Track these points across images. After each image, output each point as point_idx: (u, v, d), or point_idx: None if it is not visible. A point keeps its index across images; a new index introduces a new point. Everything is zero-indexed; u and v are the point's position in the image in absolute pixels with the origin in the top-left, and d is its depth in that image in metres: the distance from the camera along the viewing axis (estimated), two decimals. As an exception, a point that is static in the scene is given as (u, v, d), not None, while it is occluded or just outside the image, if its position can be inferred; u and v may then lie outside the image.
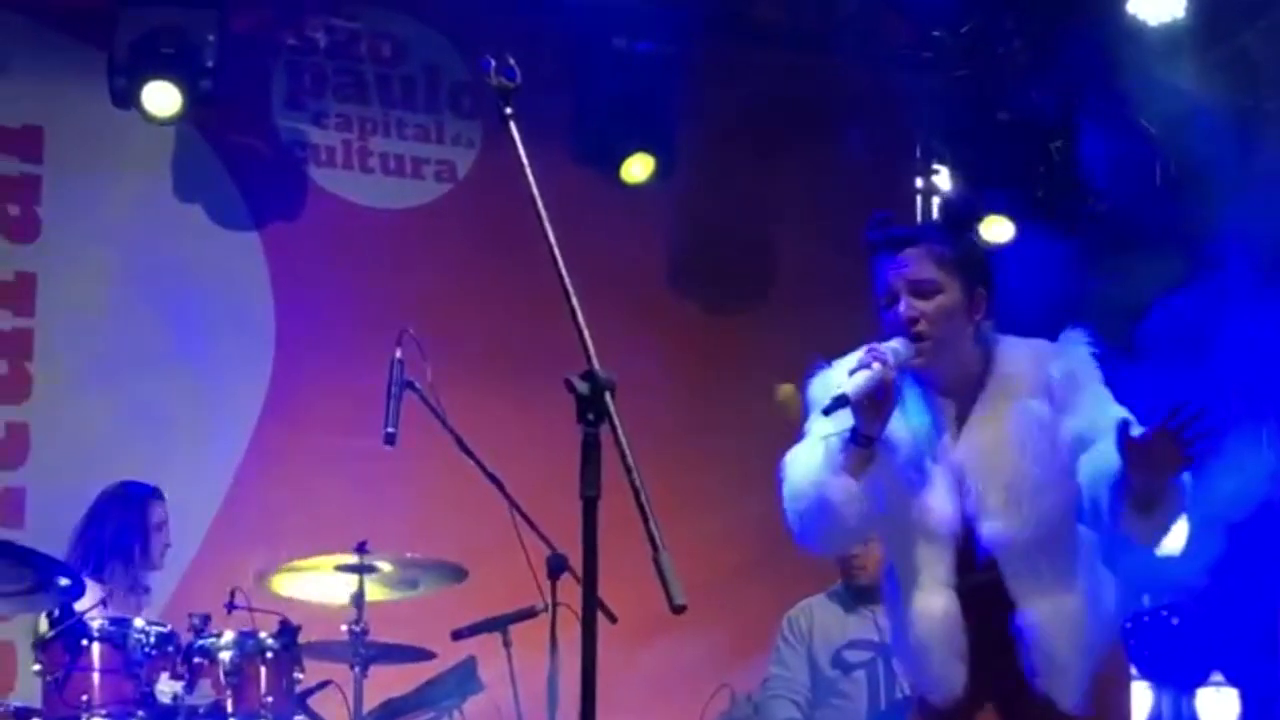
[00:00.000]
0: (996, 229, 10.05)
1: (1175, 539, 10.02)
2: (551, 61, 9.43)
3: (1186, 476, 4.39)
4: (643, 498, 3.53)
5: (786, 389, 8.87)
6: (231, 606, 6.99)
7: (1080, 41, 10.13)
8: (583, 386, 3.65)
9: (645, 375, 8.55)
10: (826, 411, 4.36)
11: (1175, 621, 9.32)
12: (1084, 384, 4.55)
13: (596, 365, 3.67)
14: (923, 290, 4.53)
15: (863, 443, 4.45)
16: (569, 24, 9.71)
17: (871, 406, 4.40)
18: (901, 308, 4.53)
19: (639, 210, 9.81)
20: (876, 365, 4.36)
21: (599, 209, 9.46)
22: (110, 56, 8.78)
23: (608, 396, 3.63)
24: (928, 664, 4.60)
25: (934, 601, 4.56)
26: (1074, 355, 4.60)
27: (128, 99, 8.75)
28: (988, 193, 10.14)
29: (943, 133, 10.46)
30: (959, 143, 10.37)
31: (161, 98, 8.69)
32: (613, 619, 6.30)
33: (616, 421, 3.61)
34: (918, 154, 10.40)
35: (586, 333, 3.71)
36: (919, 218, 10.24)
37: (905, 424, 4.57)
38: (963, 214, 4.80)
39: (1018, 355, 4.63)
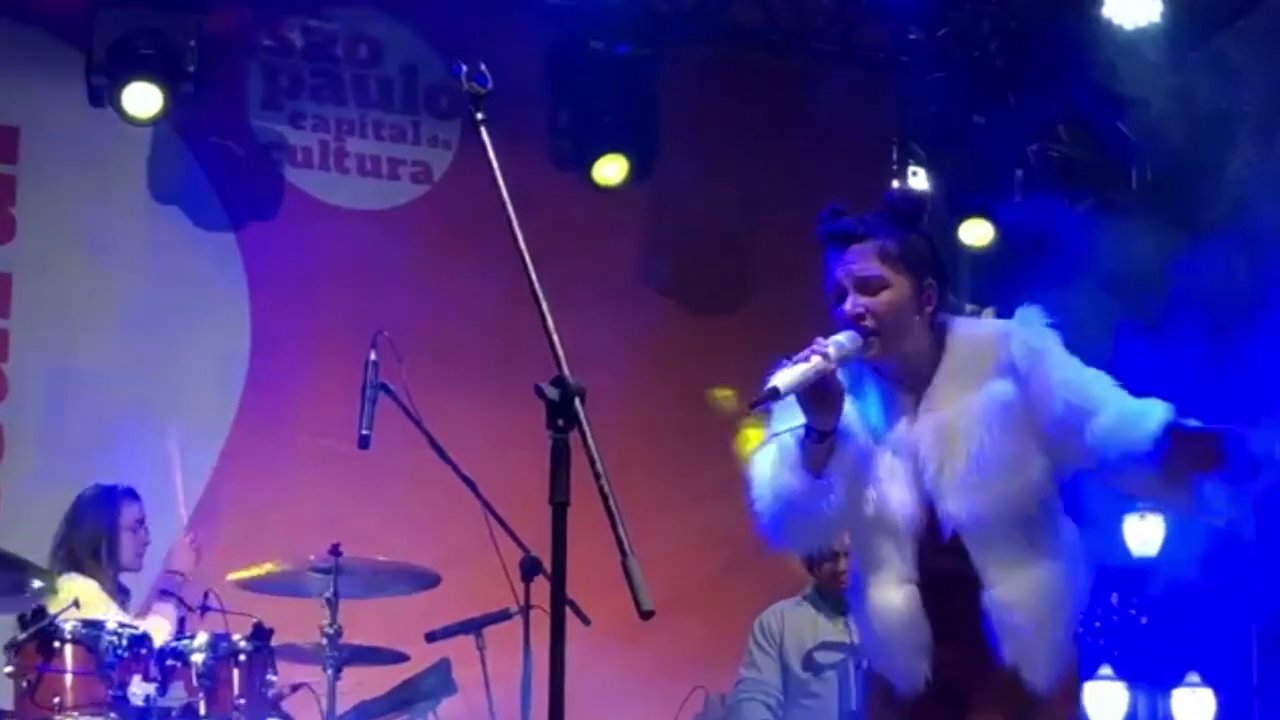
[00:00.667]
0: (976, 231, 10.08)
1: (1152, 539, 10.05)
2: (529, 63, 9.43)
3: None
4: (611, 503, 3.54)
5: (722, 393, 8.91)
6: (205, 608, 6.98)
7: (1057, 45, 10.15)
8: (552, 393, 3.65)
9: (622, 377, 8.58)
10: (755, 405, 4.33)
11: (1144, 620, 9.33)
12: (1045, 354, 4.51)
13: (567, 371, 3.67)
14: (869, 286, 4.50)
15: (817, 437, 4.43)
16: (547, 26, 9.72)
17: (815, 399, 4.39)
18: (848, 304, 4.50)
19: (615, 212, 9.82)
20: (815, 358, 4.33)
21: (575, 211, 9.48)
22: (88, 57, 8.78)
23: (577, 403, 3.63)
24: (890, 658, 4.59)
25: (894, 596, 4.54)
26: (1030, 330, 4.56)
27: (105, 99, 8.75)
28: (965, 195, 10.17)
29: (920, 135, 10.46)
30: (936, 145, 10.38)
31: (143, 99, 8.70)
32: (585, 621, 6.32)
33: (586, 428, 3.61)
34: (894, 156, 10.39)
35: (556, 338, 3.70)
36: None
37: (861, 417, 4.55)
38: (911, 207, 4.70)
39: (972, 337, 4.60)
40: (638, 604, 3.51)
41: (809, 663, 7.60)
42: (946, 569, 4.52)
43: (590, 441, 3.60)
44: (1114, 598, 7.18)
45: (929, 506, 4.51)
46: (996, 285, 9.98)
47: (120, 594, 7.69)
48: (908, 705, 4.60)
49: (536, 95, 9.55)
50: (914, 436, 4.54)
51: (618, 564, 3.54)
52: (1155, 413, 4.39)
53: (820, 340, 4.40)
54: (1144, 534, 9.97)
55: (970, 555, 4.48)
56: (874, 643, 4.66)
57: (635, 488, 3.48)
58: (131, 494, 7.87)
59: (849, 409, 4.49)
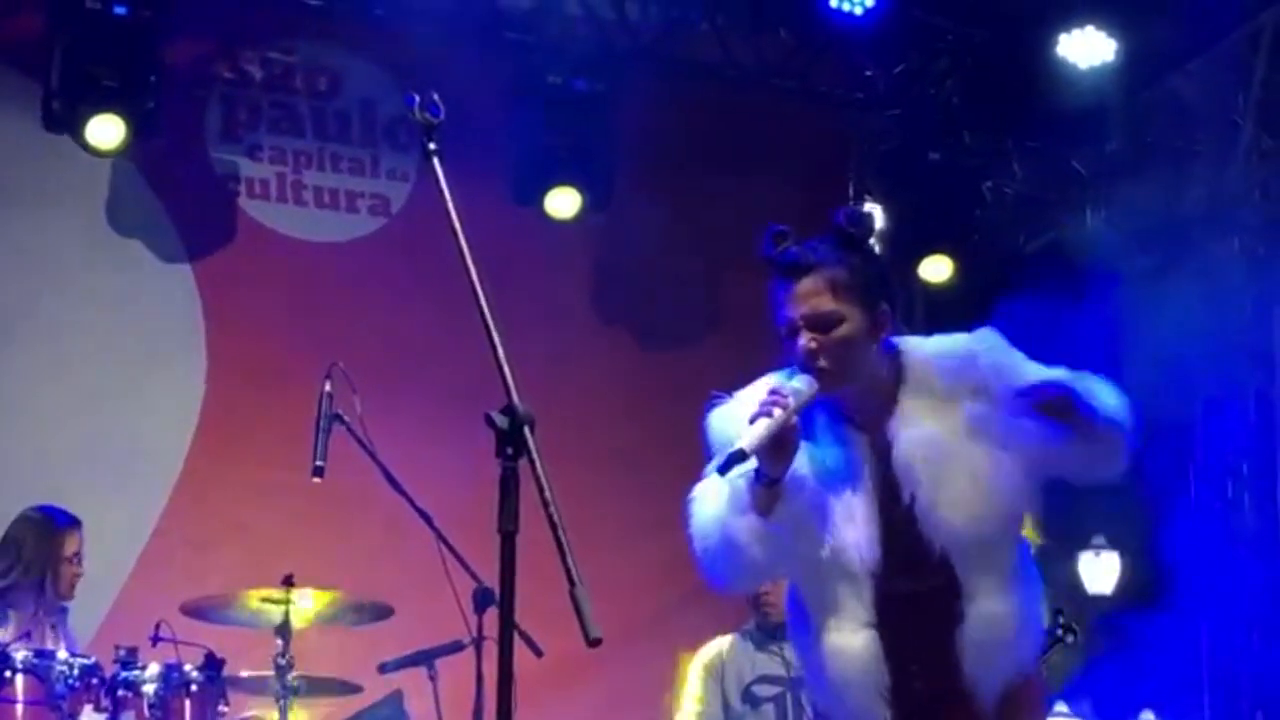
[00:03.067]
0: (934, 268, 10.13)
1: (1108, 575, 10.11)
2: (487, 97, 9.45)
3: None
4: (560, 532, 3.54)
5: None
6: (157, 639, 6.96)
7: (1012, 83, 10.21)
8: (502, 421, 3.65)
9: (574, 409, 8.60)
10: (722, 469, 4.23)
11: (1099, 656, 9.38)
12: (1014, 364, 4.42)
13: (516, 399, 3.68)
14: (822, 323, 4.37)
15: (769, 482, 4.33)
16: (505, 60, 9.74)
17: (773, 449, 4.27)
18: (801, 340, 4.36)
19: (570, 245, 9.84)
20: (777, 412, 4.24)
21: (531, 244, 9.49)
22: (45, 85, 8.78)
23: (526, 431, 3.64)
24: (845, 703, 4.50)
25: (853, 640, 4.45)
26: (993, 346, 4.47)
27: (63, 127, 8.74)
28: (921, 232, 10.23)
29: (876, 172, 10.52)
30: (892, 182, 10.44)
31: (106, 131, 8.68)
32: (538, 653, 6.33)
33: (535, 457, 3.62)
34: (850, 192, 10.46)
35: (507, 367, 3.71)
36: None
37: (815, 458, 4.45)
38: (859, 229, 4.58)
39: (933, 358, 4.49)
40: (585, 633, 3.51)
41: (748, 696, 7.64)
42: (914, 595, 4.43)
43: (540, 470, 3.61)
44: (1070, 636, 7.18)
45: (897, 538, 4.41)
46: (954, 322, 10.01)
47: (54, 623, 7.65)
48: None
49: (494, 129, 9.55)
50: (897, 463, 4.42)
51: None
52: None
53: (778, 391, 4.28)
54: (1099, 571, 10.03)
55: (956, 572, 4.39)
56: (828, 687, 4.54)
57: (586, 518, 3.49)
58: (75, 523, 7.78)
59: (800, 452, 4.39)
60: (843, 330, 4.39)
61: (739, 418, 4.34)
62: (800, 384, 4.33)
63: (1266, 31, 9.89)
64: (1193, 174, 10.70)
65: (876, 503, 4.44)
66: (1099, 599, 10.06)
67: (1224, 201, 10.60)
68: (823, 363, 4.36)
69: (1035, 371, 4.43)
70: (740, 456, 4.21)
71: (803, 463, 4.40)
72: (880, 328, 4.45)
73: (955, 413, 4.42)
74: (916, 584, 4.44)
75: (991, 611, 4.40)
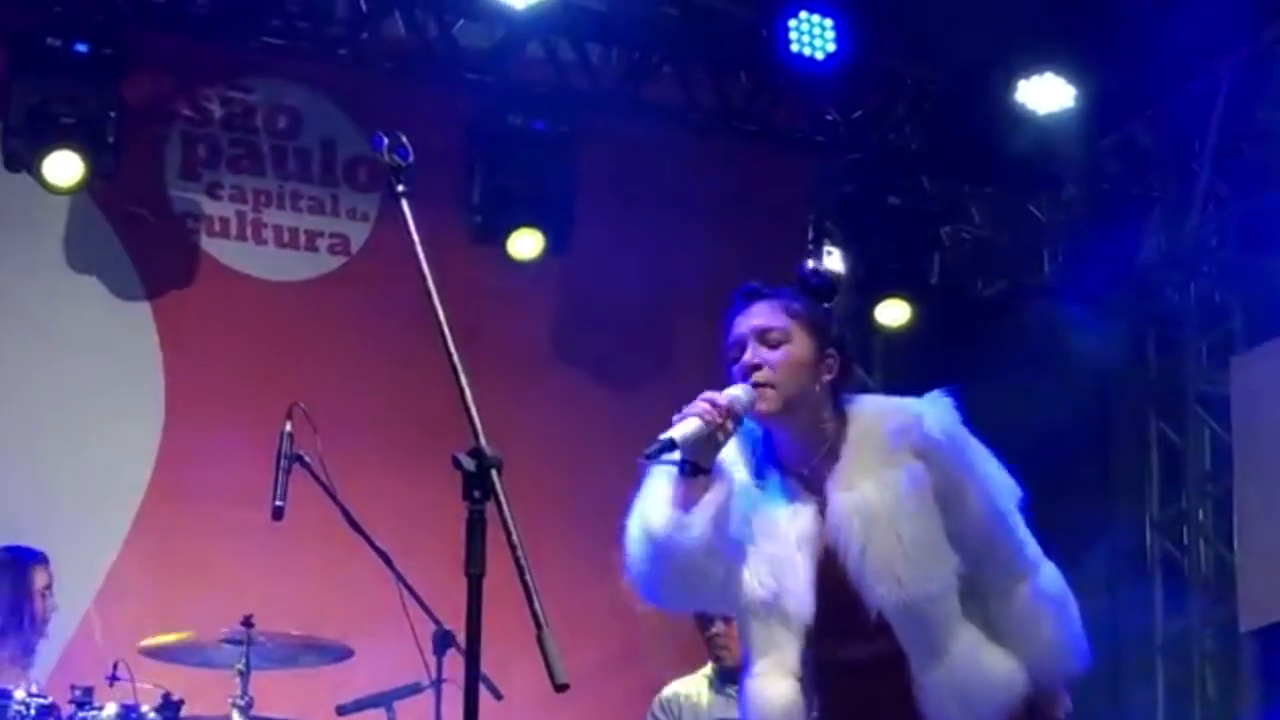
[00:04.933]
0: (892, 312, 10.15)
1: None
2: (447, 137, 9.45)
3: None
4: (527, 576, 3.54)
5: None
6: (114, 679, 6.93)
7: (971, 129, 10.27)
8: (469, 463, 3.66)
9: (535, 451, 8.59)
10: (649, 455, 4.26)
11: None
12: (963, 447, 4.42)
13: (484, 442, 3.68)
14: (769, 338, 4.41)
15: (691, 471, 4.34)
16: (466, 100, 9.75)
17: (701, 444, 4.31)
18: (747, 354, 4.40)
19: (531, 287, 9.84)
20: (707, 409, 4.27)
21: (491, 285, 9.49)
22: (4, 122, 8.75)
23: (494, 474, 3.64)
24: None
25: (777, 686, 4.40)
26: (944, 416, 4.44)
27: (22, 165, 8.72)
28: (880, 276, 10.25)
29: (836, 215, 10.55)
30: (852, 225, 10.47)
31: (64, 168, 8.66)
32: (497, 695, 6.32)
33: (503, 499, 3.62)
34: (810, 235, 10.48)
35: (474, 410, 3.72)
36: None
37: (764, 509, 4.44)
38: (821, 283, 4.63)
39: (878, 414, 4.48)
40: (552, 677, 3.51)
41: None
42: (858, 664, 4.40)
43: (507, 513, 3.61)
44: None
45: (834, 599, 4.37)
46: (911, 366, 10.05)
47: (29, 662, 7.64)
48: None
49: (454, 169, 9.56)
50: (830, 524, 4.38)
51: (532, 636, 3.55)
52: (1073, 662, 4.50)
53: (714, 395, 4.32)
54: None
55: (902, 641, 4.35)
56: None
57: (549, 561, 3.48)
58: (42, 558, 7.81)
59: (749, 496, 4.42)
60: (788, 349, 4.43)
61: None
62: (738, 390, 4.37)
63: (1224, 79, 9.95)
64: (1150, 221, 10.76)
65: (815, 562, 4.41)
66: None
67: (1181, 249, 10.67)
68: (764, 376, 4.39)
69: (982, 456, 4.47)
70: (669, 446, 4.26)
71: (752, 506, 4.41)
72: (826, 370, 4.46)
73: (895, 474, 4.39)
74: (856, 650, 4.40)
75: (945, 678, 4.35)
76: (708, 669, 7.83)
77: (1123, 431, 10.99)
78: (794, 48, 9.50)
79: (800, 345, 4.43)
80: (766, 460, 4.51)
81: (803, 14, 9.48)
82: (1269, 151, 10.02)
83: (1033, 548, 4.52)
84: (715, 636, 7.65)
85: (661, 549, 4.38)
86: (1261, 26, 9.58)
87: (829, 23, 9.49)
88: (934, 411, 4.45)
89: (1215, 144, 10.21)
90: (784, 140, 10.58)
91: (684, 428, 4.28)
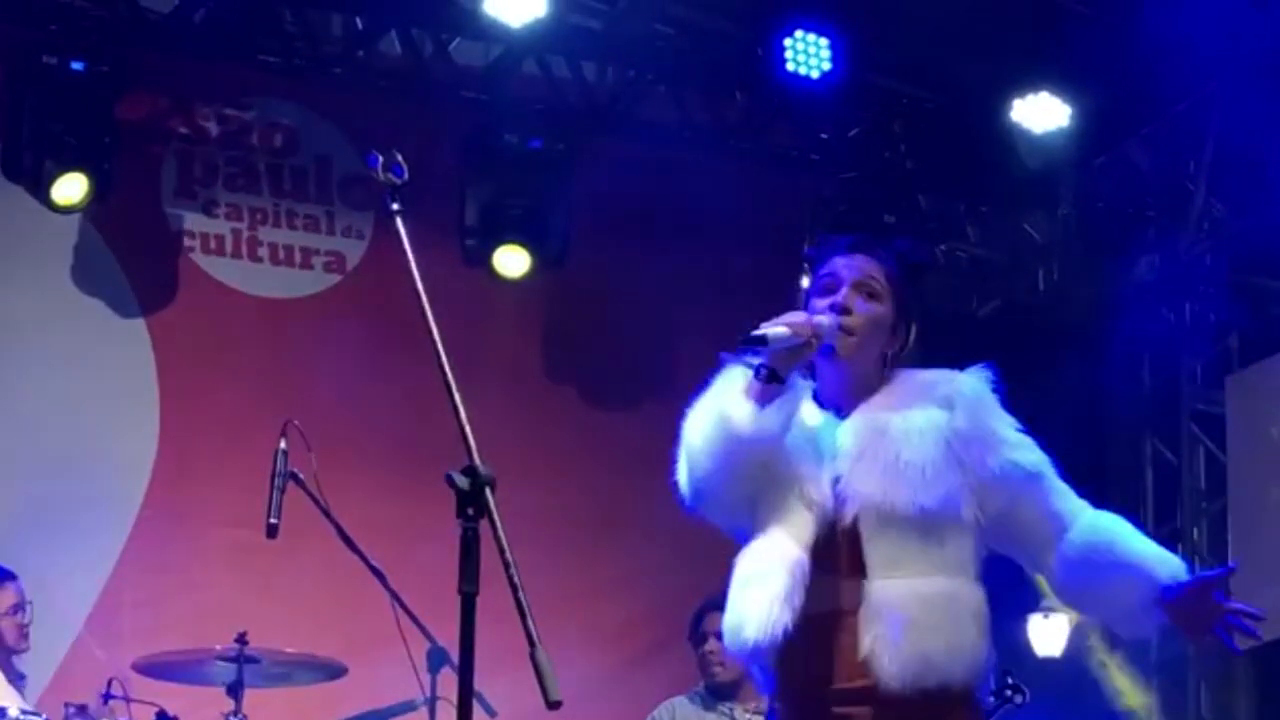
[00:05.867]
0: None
1: (1057, 638, 10.12)
2: (442, 155, 9.47)
3: None
4: (520, 594, 3.55)
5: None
6: (108, 696, 6.93)
7: (966, 148, 10.29)
8: (463, 481, 3.66)
9: (526, 471, 8.59)
10: (739, 348, 4.30)
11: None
12: (990, 405, 4.50)
13: (478, 461, 3.69)
14: (865, 289, 4.49)
15: (768, 376, 4.33)
16: (461, 118, 9.77)
17: (787, 353, 4.32)
18: (841, 295, 4.46)
19: (523, 305, 9.85)
20: (799, 324, 4.30)
21: (484, 303, 9.50)
22: (5, 142, 8.77)
23: (488, 492, 3.65)
24: (752, 596, 4.35)
25: (786, 547, 4.37)
26: (980, 381, 4.54)
27: (23, 183, 8.74)
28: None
29: (830, 233, 10.55)
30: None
31: (68, 187, 8.69)
32: (491, 714, 6.33)
33: (496, 517, 3.63)
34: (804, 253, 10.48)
35: (469, 428, 3.72)
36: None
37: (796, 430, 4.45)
38: (918, 259, 4.72)
39: (920, 373, 4.60)
40: (545, 694, 3.52)
41: None
42: (829, 580, 4.38)
43: (500, 531, 3.62)
44: (1019, 697, 7.17)
45: (838, 496, 4.41)
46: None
47: (17, 680, 7.61)
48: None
49: (449, 187, 9.57)
50: (845, 432, 4.46)
51: (524, 654, 3.55)
52: (1160, 569, 4.46)
53: (802, 313, 4.39)
54: (1048, 633, 10.04)
55: (864, 543, 4.36)
56: (737, 588, 4.42)
57: (542, 580, 3.49)
58: (8, 575, 7.75)
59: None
60: (878, 307, 4.52)
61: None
62: (825, 320, 4.42)
63: (1218, 98, 9.97)
64: (1145, 240, 10.78)
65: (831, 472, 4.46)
66: (1048, 661, 10.06)
67: (1176, 268, 10.68)
68: (852, 321, 4.46)
69: (1006, 419, 4.52)
70: (759, 341, 4.28)
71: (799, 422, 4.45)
72: (895, 339, 4.57)
73: (916, 414, 4.48)
74: (832, 562, 4.40)
75: (891, 592, 4.33)
76: (699, 687, 7.86)
77: (1118, 450, 11.01)
78: (789, 67, 9.50)
79: (888, 308, 4.53)
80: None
81: (798, 33, 9.48)
82: (1264, 170, 10.03)
83: (1073, 502, 4.55)
84: (709, 654, 7.68)
85: (740, 442, 4.35)
86: (1257, 46, 9.59)
87: (824, 42, 9.49)
88: (970, 376, 4.57)
89: (1210, 163, 10.23)
90: (779, 159, 10.59)
91: (775, 330, 4.31)
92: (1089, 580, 4.48)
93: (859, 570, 4.38)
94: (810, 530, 4.40)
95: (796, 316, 4.38)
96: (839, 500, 4.41)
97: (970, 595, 4.44)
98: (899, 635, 4.30)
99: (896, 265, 4.61)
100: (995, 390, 4.56)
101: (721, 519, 4.54)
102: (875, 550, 4.37)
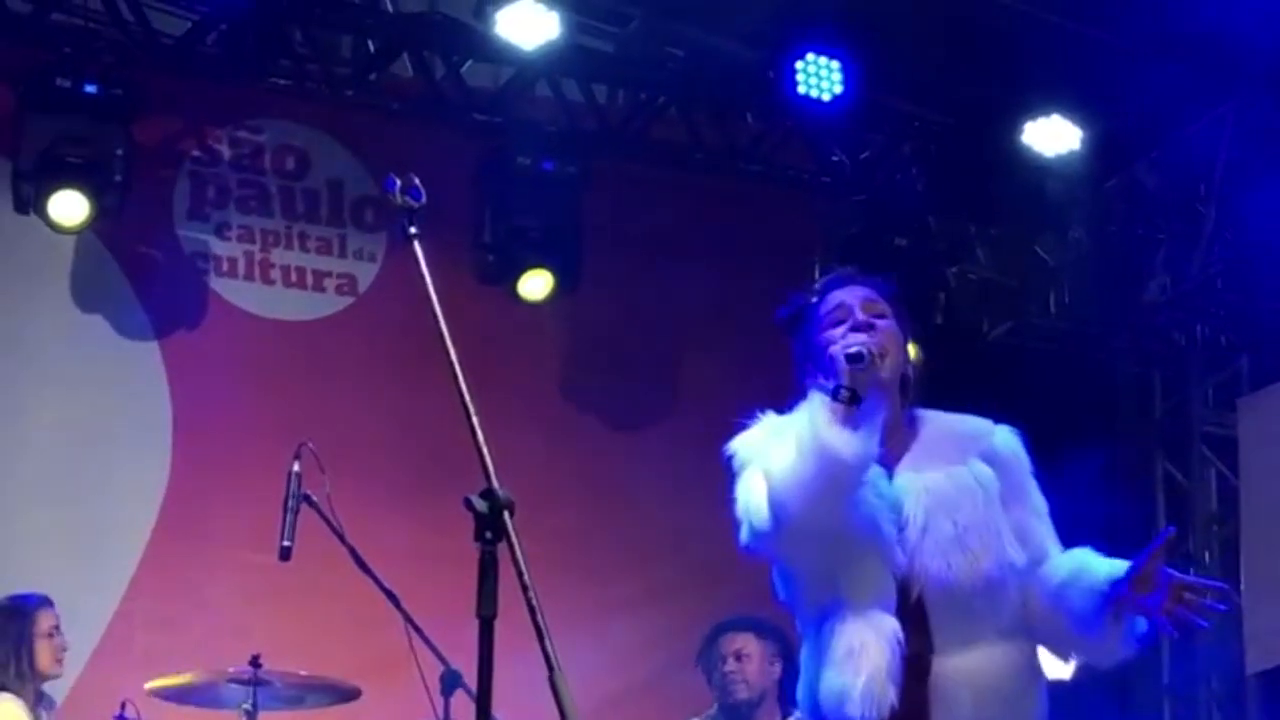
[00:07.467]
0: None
1: (1067, 666, 10.11)
2: (455, 178, 9.47)
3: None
4: (539, 617, 3.54)
5: None
6: (122, 719, 6.93)
7: (977, 170, 10.29)
8: (481, 505, 3.65)
9: (543, 491, 8.59)
10: (847, 401, 4.22)
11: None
12: (1026, 471, 4.54)
13: (496, 484, 3.68)
14: (875, 311, 4.49)
15: (849, 397, 4.27)
16: (474, 141, 9.79)
17: (863, 374, 4.28)
18: (859, 314, 4.45)
19: (539, 327, 9.86)
20: (871, 345, 4.31)
21: (499, 325, 9.50)
22: (14, 164, 8.78)
23: (506, 516, 3.65)
24: (859, 677, 4.31)
25: (879, 617, 4.34)
26: (1015, 438, 4.57)
27: (30, 206, 8.75)
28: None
29: (841, 256, 10.56)
30: (857, 266, 10.45)
31: (69, 207, 8.69)
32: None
33: (515, 540, 3.63)
34: (816, 276, 10.49)
35: (486, 451, 3.72)
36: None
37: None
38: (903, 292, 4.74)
39: (947, 421, 4.58)
40: (564, 719, 3.51)
41: None
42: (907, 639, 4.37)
43: (519, 554, 3.61)
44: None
45: (908, 577, 4.39)
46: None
47: (43, 704, 7.61)
48: None
49: (462, 210, 9.58)
50: (900, 490, 4.43)
51: (542, 678, 3.55)
52: (1109, 570, 4.45)
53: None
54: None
55: (930, 619, 4.36)
56: (836, 670, 4.36)
57: (556, 601, 3.49)
58: (45, 601, 7.80)
59: None
60: (892, 326, 4.52)
61: (763, 438, 4.41)
62: (861, 336, 4.38)
63: (1229, 120, 9.97)
64: (1155, 262, 10.78)
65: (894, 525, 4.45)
66: (1056, 685, 10.05)
67: (1187, 290, 10.67)
68: (878, 339, 4.41)
69: (1035, 486, 4.56)
70: (860, 358, 4.28)
71: None
72: (907, 360, 4.56)
73: (963, 470, 4.47)
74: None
75: (960, 665, 4.36)
76: (713, 710, 7.84)
77: (1129, 473, 10.99)
78: (800, 89, 9.53)
79: (896, 325, 4.54)
80: None
81: (809, 56, 9.51)
82: (1274, 192, 10.02)
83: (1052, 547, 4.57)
84: (730, 674, 7.64)
85: (847, 468, 4.27)
86: (1265, 67, 9.59)
87: (835, 64, 9.52)
88: (1006, 433, 4.59)
89: (1221, 185, 10.22)
90: (790, 181, 10.61)
91: (856, 379, 4.29)
92: (1053, 606, 4.47)
93: (927, 644, 4.38)
94: (895, 599, 4.38)
95: (863, 335, 4.37)
96: (910, 571, 4.39)
97: (1029, 659, 4.50)
98: (970, 715, 4.36)
99: (884, 288, 4.62)
100: (1026, 451, 4.59)
101: (807, 553, 4.45)
102: (942, 624, 4.39)
